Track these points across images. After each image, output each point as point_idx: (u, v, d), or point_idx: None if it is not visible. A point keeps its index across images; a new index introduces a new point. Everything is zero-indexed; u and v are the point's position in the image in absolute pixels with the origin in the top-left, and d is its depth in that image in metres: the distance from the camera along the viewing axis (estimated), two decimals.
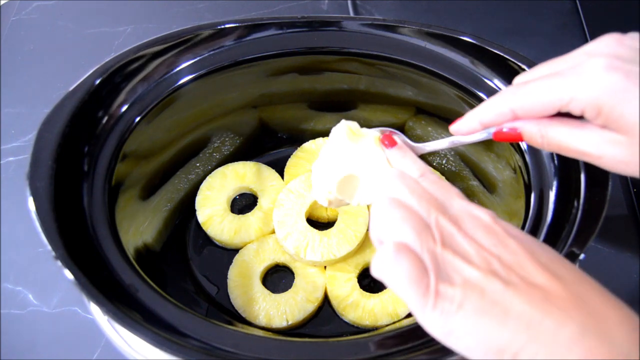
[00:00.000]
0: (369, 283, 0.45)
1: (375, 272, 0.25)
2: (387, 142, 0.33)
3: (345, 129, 0.34)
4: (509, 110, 0.28)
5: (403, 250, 0.23)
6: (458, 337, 0.23)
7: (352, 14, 0.64)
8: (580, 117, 0.26)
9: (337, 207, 0.36)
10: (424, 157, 0.50)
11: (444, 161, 0.49)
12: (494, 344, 0.22)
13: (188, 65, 0.41)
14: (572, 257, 0.31)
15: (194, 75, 0.41)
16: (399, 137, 0.34)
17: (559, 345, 0.21)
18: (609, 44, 0.26)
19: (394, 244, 0.24)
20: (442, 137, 0.32)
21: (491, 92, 0.40)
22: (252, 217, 0.46)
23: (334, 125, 0.51)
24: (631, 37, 0.27)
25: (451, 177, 0.49)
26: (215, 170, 0.48)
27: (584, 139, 0.26)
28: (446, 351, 0.28)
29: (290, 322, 0.41)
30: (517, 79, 0.29)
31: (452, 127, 0.31)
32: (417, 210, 0.25)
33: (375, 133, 0.34)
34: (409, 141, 0.35)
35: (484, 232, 0.24)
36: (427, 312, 0.23)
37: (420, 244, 0.24)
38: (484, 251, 0.24)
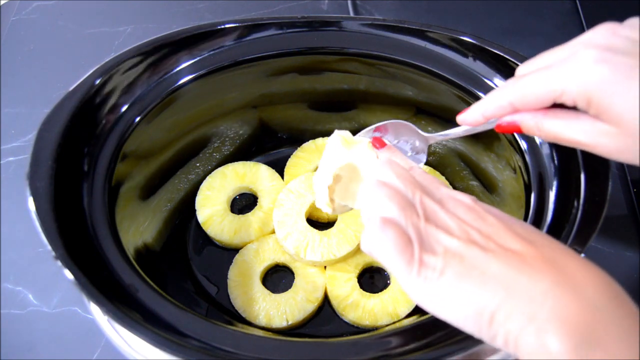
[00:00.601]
0: (369, 283, 0.45)
1: (364, 246, 0.27)
2: (377, 144, 0.35)
3: (339, 139, 0.36)
4: (508, 104, 0.29)
5: (388, 224, 0.25)
6: (441, 303, 0.24)
7: (352, 14, 0.64)
8: (575, 108, 0.27)
9: (341, 213, 0.37)
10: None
11: (444, 161, 0.49)
12: (473, 306, 0.23)
13: (188, 65, 0.41)
14: None
15: (194, 75, 0.41)
16: (405, 127, 0.35)
17: (532, 300, 0.22)
18: (603, 34, 0.27)
19: (380, 218, 0.26)
20: (451, 127, 0.33)
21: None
22: (252, 217, 0.46)
23: (334, 125, 0.51)
24: (628, 26, 0.27)
25: (451, 177, 0.49)
26: (215, 170, 0.48)
27: (577, 129, 0.27)
28: (446, 351, 0.28)
29: (290, 322, 0.41)
30: (519, 70, 0.30)
31: (459, 118, 0.32)
32: (403, 191, 0.27)
33: (366, 139, 0.36)
34: (419, 131, 0.36)
35: (465, 209, 0.26)
36: (412, 280, 0.24)
37: (405, 218, 0.26)
38: (464, 224, 0.25)
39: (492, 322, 0.23)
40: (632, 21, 0.27)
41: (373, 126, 0.36)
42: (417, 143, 0.36)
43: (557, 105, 0.28)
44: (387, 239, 0.25)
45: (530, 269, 0.23)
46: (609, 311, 0.22)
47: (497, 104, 0.29)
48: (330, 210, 0.36)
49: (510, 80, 0.29)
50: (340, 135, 0.36)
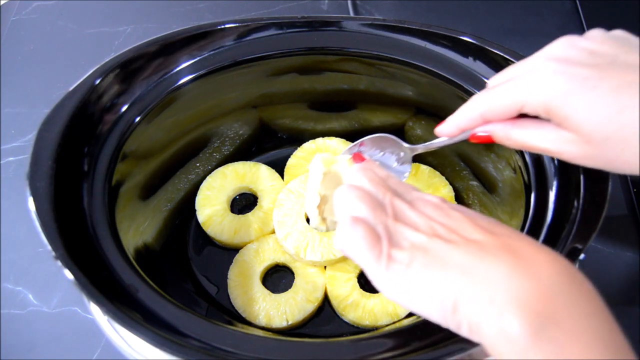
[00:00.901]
0: (369, 283, 0.45)
1: (337, 244, 0.28)
2: (357, 160, 0.37)
3: (320, 162, 0.37)
4: (478, 116, 0.31)
5: (358, 222, 0.27)
6: (409, 294, 0.25)
7: (352, 14, 0.64)
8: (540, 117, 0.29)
9: (334, 229, 0.39)
10: (425, 158, 0.50)
11: (444, 161, 0.49)
12: (438, 295, 0.24)
13: (188, 65, 0.41)
14: (572, 257, 0.31)
15: (194, 75, 0.41)
16: (389, 140, 0.37)
17: (491, 284, 0.23)
18: (562, 46, 0.28)
19: (350, 217, 0.27)
20: (433, 140, 0.35)
21: None
22: (252, 217, 0.46)
23: (334, 125, 0.51)
24: (586, 38, 0.28)
25: (451, 177, 0.49)
26: (215, 170, 0.48)
27: (543, 138, 0.29)
28: (446, 351, 0.28)
29: (290, 322, 0.41)
30: (490, 82, 0.31)
31: (436, 130, 0.34)
32: (373, 193, 0.29)
33: (347, 156, 0.37)
34: (402, 143, 0.37)
35: (432, 207, 0.28)
36: (381, 274, 0.26)
37: (374, 217, 0.27)
38: (430, 220, 0.27)
39: (455, 310, 0.24)
40: (592, 33, 0.28)
41: (357, 142, 0.38)
42: (402, 154, 0.38)
43: (524, 116, 0.29)
44: (357, 236, 0.26)
45: (489, 256, 0.24)
46: (565, 292, 0.23)
47: (469, 116, 0.31)
48: (324, 228, 0.37)
49: (480, 93, 0.30)
50: (321, 158, 0.38)
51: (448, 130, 0.33)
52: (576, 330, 0.22)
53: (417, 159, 0.51)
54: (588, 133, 0.26)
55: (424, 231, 0.26)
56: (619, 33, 0.29)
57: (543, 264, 0.24)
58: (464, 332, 0.24)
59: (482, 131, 0.31)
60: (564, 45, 0.28)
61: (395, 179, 0.31)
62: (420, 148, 0.37)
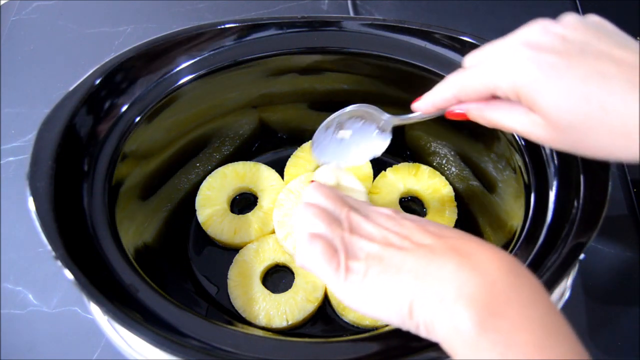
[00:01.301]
0: None
1: (297, 261, 0.29)
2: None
3: (285, 192, 0.43)
4: (452, 97, 0.32)
5: (316, 237, 0.28)
6: (368, 302, 0.27)
7: (352, 14, 0.64)
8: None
9: None
10: (425, 158, 0.50)
11: (444, 161, 0.49)
12: (394, 300, 0.26)
13: (188, 65, 0.41)
14: (572, 257, 0.31)
15: (194, 75, 0.41)
16: (369, 111, 0.38)
17: (440, 283, 0.25)
18: (535, 32, 0.29)
19: (308, 233, 0.29)
20: (410, 114, 0.36)
21: None
22: (252, 217, 0.46)
23: None
24: (560, 23, 0.28)
25: (451, 177, 0.49)
26: (215, 170, 0.48)
27: (514, 119, 0.30)
28: (446, 351, 0.28)
29: (290, 322, 0.41)
30: (465, 60, 0.32)
31: (413, 105, 0.35)
32: (330, 209, 0.30)
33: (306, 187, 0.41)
34: (381, 113, 0.38)
35: (385, 218, 0.30)
36: (340, 285, 0.27)
37: (331, 232, 0.29)
38: (384, 230, 0.28)
39: (412, 313, 0.25)
40: (566, 18, 0.29)
41: (335, 117, 0.38)
42: (382, 123, 0.38)
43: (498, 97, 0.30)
44: (315, 252, 0.28)
45: (438, 258, 0.26)
46: (509, 285, 0.24)
47: (443, 96, 0.32)
48: None
49: (455, 74, 0.31)
50: (287, 189, 0.43)
51: (424, 107, 0.34)
52: (520, 318, 0.23)
53: (417, 159, 0.51)
54: (555, 119, 0.27)
55: (378, 241, 0.28)
56: (594, 19, 0.29)
57: (487, 261, 0.25)
58: (422, 333, 0.26)
59: (457, 109, 0.32)
60: (538, 30, 0.28)
61: (351, 198, 0.33)
62: (398, 120, 0.38)
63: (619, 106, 0.25)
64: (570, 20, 0.28)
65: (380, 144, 0.39)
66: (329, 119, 0.38)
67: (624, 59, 0.26)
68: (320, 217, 0.29)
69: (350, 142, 0.39)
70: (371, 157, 0.39)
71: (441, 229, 0.28)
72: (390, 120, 0.38)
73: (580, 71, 0.26)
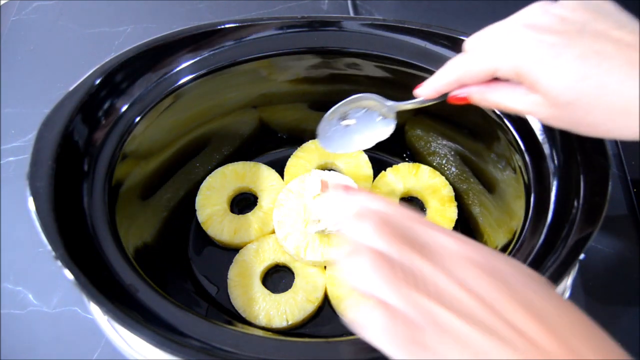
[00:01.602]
0: None
1: (354, 328, 0.23)
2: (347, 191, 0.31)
3: (285, 192, 0.44)
4: (454, 81, 0.32)
5: (379, 306, 0.22)
6: None
7: (352, 14, 0.64)
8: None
9: (329, 232, 0.43)
10: (425, 158, 0.50)
11: (444, 161, 0.49)
12: None
13: (188, 65, 0.41)
14: (572, 257, 0.31)
15: (194, 75, 0.41)
16: (371, 98, 0.38)
17: None
18: (535, 12, 0.29)
19: (370, 296, 0.23)
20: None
21: None
22: (252, 217, 0.46)
23: None
24: (559, 4, 0.29)
25: (451, 177, 0.49)
26: (215, 170, 0.48)
27: (515, 100, 0.30)
28: None
29: (290, 322, 0.41)
30: (466, 44, 0.32)
31: (416, 91, 0.35)
32: (386, 252, 0.23)
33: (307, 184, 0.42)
34: (383, 100, 0.38)
35: (471, 270, 0.22)
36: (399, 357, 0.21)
37: (396, 295, 0.22)
38: (474, 298, 0.21)
39: None
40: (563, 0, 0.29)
41: (341, 102, 0.38)
42: (384, 110, 0.39)
43: (498, 79, 0.30)
44: (378, 325, 0.22)
45: None
46: None
47: (446, 81, 0.32)
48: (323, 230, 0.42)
49: (457, 58, 0.32)
50: (287, 189, 0.44)
51: (427, 93, 0.34)
52: None
53: (417, 159, 0.51)
54: (554, 97, 0.27)
55: (464, 315, 0.21)
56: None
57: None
58: None
59: (460, 93, 0.33)
60: (537, 11, 0.29)
61: (399, 213, 0.25)
62: (400, 105, 0.38)
63: (617, 84, 0.25)
64: (569, 1, 0.29)
65: (384, 129, 0.39)
66: (332, 109, 0.39)
67: (621, 39, 0.26)
68: (381, 272, 0.22)
69: (355, 129, 0.40)
70: (376, 141, 0.40)
71: (543, 302, 0.22)
72: (393, 106, 0.38)
73: (579, 50, 0.26)
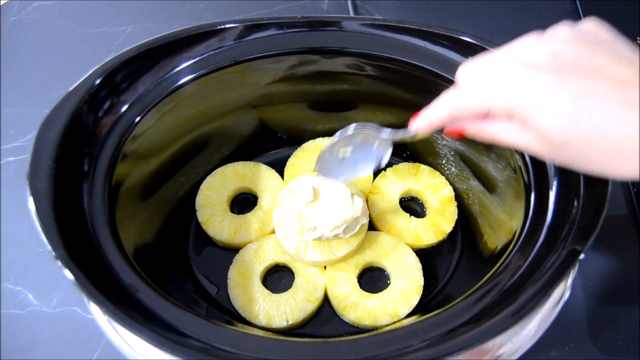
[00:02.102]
0: (369, 283, 0.45)
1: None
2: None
3: (285, 192, 0.44)
4: (447, 117, 0.32)
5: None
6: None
7: (352, 14, 0.64)
8: None
9: (327, 239, 0.43)
10: (425, 158, 0.50)
11: (443, 161, 0.49)
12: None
13: (188, 65, 0.41)
14: (572, 257, 0.31)
15: (194, 75, 0.41)
16: (364, 129, 0.39)
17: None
18: (528, 47, 0.28)
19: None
20: (409, 131, 0.35)
21: None
22: (252, 217, 0.46)
23: (334, 125, 0.51)
24: (551, 36, 0.28)
25: (452, 177, 0.49)
26: (215, 170, 0.48)
27: (510, 135, 0.30)
28: (446, 351, 0.28)
29: (290, 322, 0.41)
30: (459, 74, 0.31)
31: (411, 124, 0.34)
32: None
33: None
34: (379, 131, 0.38)
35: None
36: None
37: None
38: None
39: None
40: (558, 31, 0.28)
41: (337, 137, 0.39)
42: (380, 141, 0.39)
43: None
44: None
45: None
46: None
47: (440, 117, 0.32)
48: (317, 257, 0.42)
49: (450, 93, 0.31)
50: (286, 191, 0.44)
51: (422, 127, 0.34)
52: None
53: (417, 159, 0.51)
54: (548, 137, 0.27)
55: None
56: (588, 27, 0.28)
57: None
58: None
59: (454, 128, 0.33)
60: (531, 46, 0.28)
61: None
62: (396, 136, 0.37)
63: (609, 126, 0.25)
64: (562, 33, 0.28)
65: (382, 156, 0.39)
66: (327, 146, 0.40)
67: (616, 75, 0.25)
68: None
69: (352, 158, 0.40)
70: (374, 169, 0.40)
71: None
72: (389, 137, 0.38)
73: (571, 91, 0.26)
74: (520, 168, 0.38)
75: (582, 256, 0.31)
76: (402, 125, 0.46)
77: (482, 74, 0.29)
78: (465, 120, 0.31)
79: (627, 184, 0.51)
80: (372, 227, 0.47)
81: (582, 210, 0.33)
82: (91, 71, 0.38)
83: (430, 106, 0.33)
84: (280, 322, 0.41)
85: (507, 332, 0.29)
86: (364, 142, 0.39)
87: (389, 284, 0.44)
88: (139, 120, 0.39)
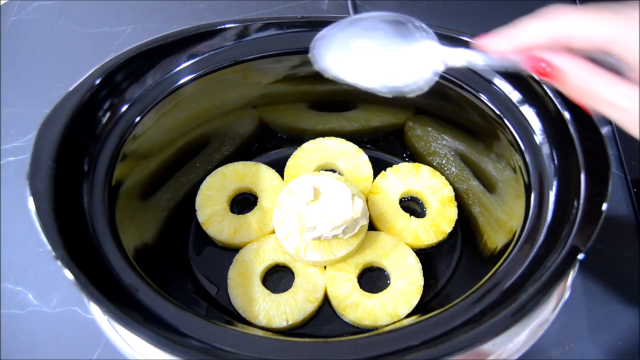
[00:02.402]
0: (369, 283, 0.45)
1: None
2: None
3: (285, 192, 0.43)
4: (547, 39, 0.25)
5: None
6: None
7: (352, 14, 0.64)
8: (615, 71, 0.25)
9: (325, 239, 0.42)
10: (425, 158, 0.50)
11: (444, 161, 0.49)
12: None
13: (188, 65, 0.41)
14: (572, 257, 0.31)
15: (194, 75, 0.41)
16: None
17: None
18: None
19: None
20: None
21: (491, 92, 0.40)
22: (252, 217, 0.46)
23: (334, 125, 0.51)
24: None
25: (451, 177, 0.49)
26: (215, 170, 0.48)
27: (616, 89, 0.25)
28: (446, 351, 0.28)
29: (290, 322, 0.41)
30: (549, 10, 0.26)
31: (481, 42, 0.27)
32: None
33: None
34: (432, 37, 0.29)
35: None
36: None
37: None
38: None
39: None
40: None
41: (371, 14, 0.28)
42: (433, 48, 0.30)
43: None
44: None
45: None
46: None
47: (535, 37, 0.26)
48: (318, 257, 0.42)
49: (554, 11, 0.25)
50: (287, 192, 0.43)
51: (499, 47, 0.27)
52: None
53: (417, 159, 0.51)
54: None
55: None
56: None
57: None
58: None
59: (547, 61, 0.26)
60: None
61: None
62: (458, 57, 0.28)
63: None
64: None
65: (423, 73, 0.28)
66: (355, 16, 0.28)
67: None
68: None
69: (378, 52, 0.29)
70: (405, 88, 0.28)
71: None
72: (448, 50, 0.28)
73: None
74: (520, 168, 0.38)
75: (582, 256, 0.31)
76: (402, 125, 0.46)
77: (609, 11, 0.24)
78: (565, 52, 0.25)
79: (627, 184, 0.51)
80: (372, 227, 0.47)
81: (582, 210, 0.33)
82: (91, 71, 0.37)
83: (516, 24, 0.26)
84: (280, 322, 0.41)
85: (507, 332, 0.29)
86: (405, 38, 0.28)
87: (389, 284, 0.44)
88: (139, 120, 0.39)
